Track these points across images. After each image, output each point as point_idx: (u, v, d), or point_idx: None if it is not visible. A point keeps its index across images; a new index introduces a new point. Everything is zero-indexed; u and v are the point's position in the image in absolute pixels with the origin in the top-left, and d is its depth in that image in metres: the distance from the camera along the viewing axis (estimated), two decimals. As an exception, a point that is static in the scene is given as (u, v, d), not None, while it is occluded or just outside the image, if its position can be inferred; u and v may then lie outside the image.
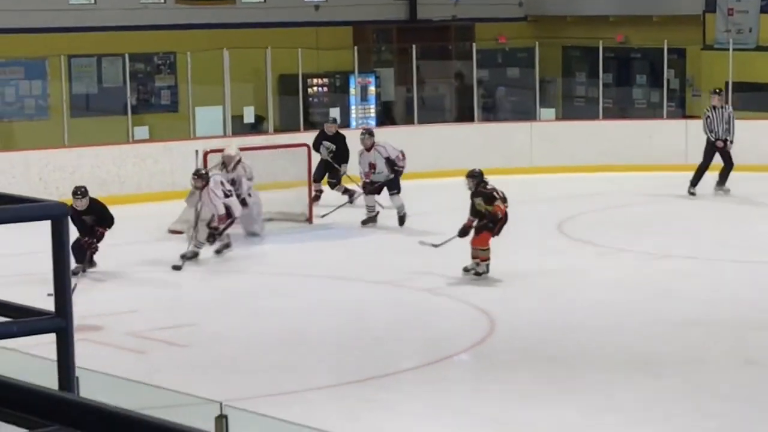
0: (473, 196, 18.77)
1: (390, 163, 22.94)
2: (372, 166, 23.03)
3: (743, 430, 12.44)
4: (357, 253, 21.06)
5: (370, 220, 23.18)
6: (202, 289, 19.11)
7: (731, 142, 25.76)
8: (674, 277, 18.89)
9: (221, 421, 7.53)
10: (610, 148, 28.47)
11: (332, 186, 25.39)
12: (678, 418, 12.68)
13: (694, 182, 25.65)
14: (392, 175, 23.02)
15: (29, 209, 4.70)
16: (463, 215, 22.60)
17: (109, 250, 20.40)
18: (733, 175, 25.37)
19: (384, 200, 22.90)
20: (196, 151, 22.62)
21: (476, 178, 18.79)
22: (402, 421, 12.43)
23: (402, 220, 22.84)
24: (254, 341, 15.81)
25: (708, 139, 25.90)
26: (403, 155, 23.10)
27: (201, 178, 20.21)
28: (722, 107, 26.41)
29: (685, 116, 31.26)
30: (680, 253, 20.20)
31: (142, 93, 30.15)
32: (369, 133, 23.67)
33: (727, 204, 24.84)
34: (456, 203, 24.52)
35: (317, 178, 24.99)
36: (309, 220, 23.24)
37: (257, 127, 29.51)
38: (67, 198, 19.36)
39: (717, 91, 27.08)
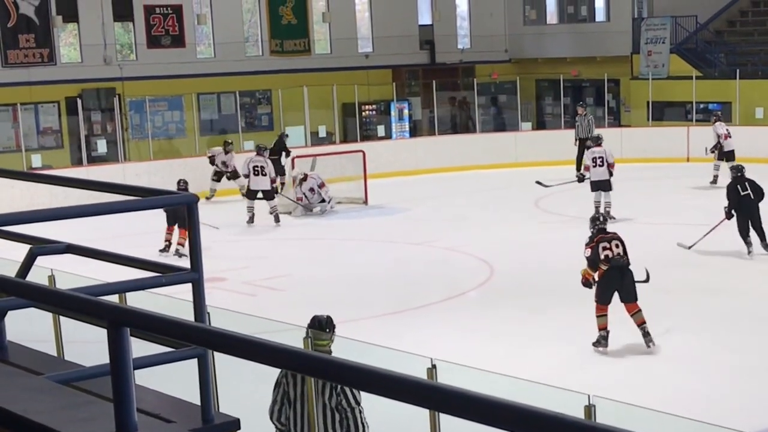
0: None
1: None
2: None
3: (651, 320, 12.30)
4: (398, 224, 21.01)
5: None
6: (293, 250, 19.10)
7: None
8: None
9: (307, 341, 7.45)
10: (570, 149, 28.28)
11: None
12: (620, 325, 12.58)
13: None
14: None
15: (172, 198, 4.64)
16: (464, 200, 22.45)
17: (227, 226, 20.45)
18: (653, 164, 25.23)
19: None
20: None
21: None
22: (432, 339, 12.36)
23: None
24: (328, 285, 15.78)
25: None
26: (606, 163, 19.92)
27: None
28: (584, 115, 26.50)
29: (620, 126, 31.08)
30: (621, 217, 20.02)
31: (248, 118, 30.17)
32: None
33: (645, 183, 24.61)
34: (465, 190, 24.42)
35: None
36: (365, 202, 23.18)
37: (328, 139, 29.50)
38: (198, 191, 19.40)
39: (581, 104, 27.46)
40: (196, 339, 3.06)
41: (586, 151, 23.77)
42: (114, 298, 6.59)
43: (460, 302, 14.73)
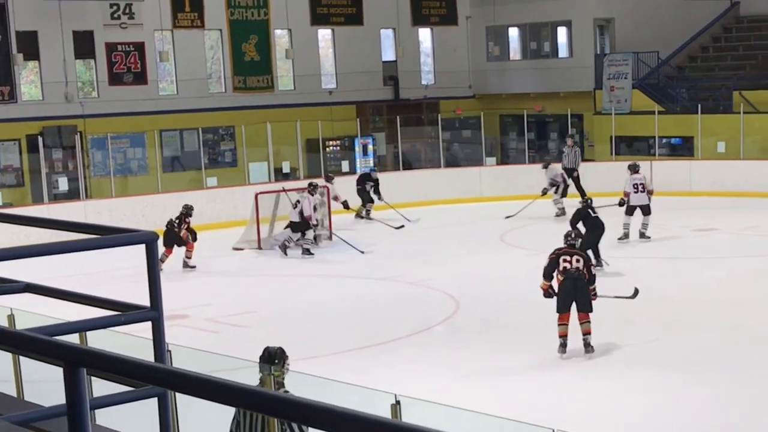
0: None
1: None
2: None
3: (616, 354, 12.35)
4: (363, 259, 20.99)
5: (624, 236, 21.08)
6: (257, 286, 19.04)
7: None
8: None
9: (270, 378, 7.43)
10: (535, 183, 28.40)
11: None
12: (582, 360, 12.62)
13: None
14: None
15: (132, 236, 4.62)
16: (429, 234, 22.53)
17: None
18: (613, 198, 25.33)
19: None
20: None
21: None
22: (398, 374, 12.34)
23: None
24: (293, 321, 15.75)
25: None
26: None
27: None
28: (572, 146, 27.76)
29: (584, 160, 31.19)
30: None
31: (211, 154, 30.16)
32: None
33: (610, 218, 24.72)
34: (430, 225, 24.55)
35: None
36: (330, 237, 23.13)
37: (292, 175, 29.50)
38: (160, 228, 19.39)
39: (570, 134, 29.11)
40: (153, 379, 3.04)
41: (577, 179, 26.89)
42: (75, 337, 6.55)
43: (426, 337, 14.72)
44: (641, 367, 12.49)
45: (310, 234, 21.49)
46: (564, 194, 25.44)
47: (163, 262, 19.78)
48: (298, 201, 21.56)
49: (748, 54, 33.23)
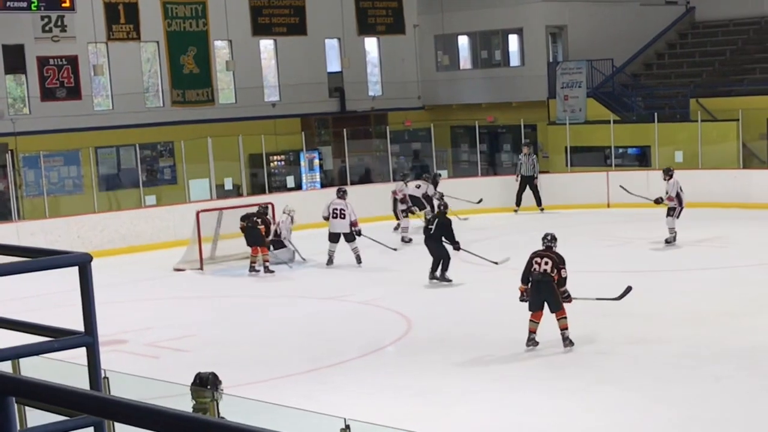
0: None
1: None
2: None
3: (577, 372, 12.42)
4: (310, 278, 20.96)
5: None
6: (200, 309, 18.93)
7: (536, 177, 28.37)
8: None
9: (213, 404, 7.41)
10: (488, 196, 28.55)
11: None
12: (538, 378, 12.67)
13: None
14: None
15: (64, 259, 4.58)
16: (378, 251, 22.61)
17: (129, 285, 20.25)
18: (572, 211, 25.53)
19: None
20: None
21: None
22: (347, 398, 12.32)
23: None
24: (237, 344, 15.69)
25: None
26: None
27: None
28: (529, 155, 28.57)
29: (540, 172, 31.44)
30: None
31: (149, 172, 30.01)
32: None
33: (565, 230, 24.87)
34: (379, 238, 24.54)
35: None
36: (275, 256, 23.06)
37: (234, 192, 29.44)
38: (97, 250, 19.24)
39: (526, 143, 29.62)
40: (87, 407, 3.01)
41: (544, 188, 27.93)
42: (7, 365, 6.48)
43: (377, 358, 14.72)
44: (603, 386, 12.55)
45: (355, 242, 21.86)
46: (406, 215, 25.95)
47: (255, 263, 21.29)
48: (342, 210, 21.81)
49: (705, 60, 33.62)
